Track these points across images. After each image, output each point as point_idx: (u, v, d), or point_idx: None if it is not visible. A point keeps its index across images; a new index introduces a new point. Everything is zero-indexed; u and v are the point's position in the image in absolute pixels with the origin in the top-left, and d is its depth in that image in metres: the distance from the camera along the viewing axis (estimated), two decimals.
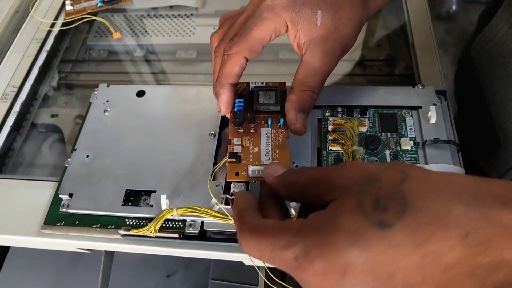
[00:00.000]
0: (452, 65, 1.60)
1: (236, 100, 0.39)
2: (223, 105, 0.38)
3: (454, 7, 1.79)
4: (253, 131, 0.39)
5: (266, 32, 0.36)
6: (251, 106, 0.39)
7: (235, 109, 0.39)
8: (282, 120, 0.38)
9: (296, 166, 0.41)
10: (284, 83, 0.40)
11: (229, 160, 0.37)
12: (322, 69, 0.37)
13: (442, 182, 0.23)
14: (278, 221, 0.26)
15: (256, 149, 0.37)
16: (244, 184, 0.39)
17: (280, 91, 0.40)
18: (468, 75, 0.61)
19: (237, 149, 0.37)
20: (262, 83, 0.41)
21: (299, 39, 0.37)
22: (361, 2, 0.38)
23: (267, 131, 0.38)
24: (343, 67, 0.59)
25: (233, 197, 0.35)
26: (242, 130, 0.39)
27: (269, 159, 0.37)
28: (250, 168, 0.36)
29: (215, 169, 0.41)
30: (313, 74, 0.37)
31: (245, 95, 0.40)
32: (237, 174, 0.36)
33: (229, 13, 0.42)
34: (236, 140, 0.38)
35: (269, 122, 0.39)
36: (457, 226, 0.21)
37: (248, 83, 0.41)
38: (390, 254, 0.21)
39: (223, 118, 0.45)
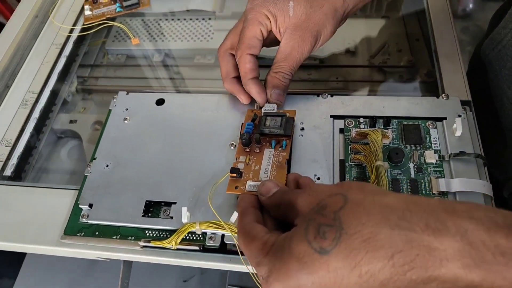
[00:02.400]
0: (468, 64, 1.58)
1: (247, 124, 0.43)
2: (257, 96, 0.44)
3: (470, 6, 1.76)
4: (257, 151, 0.42)
5: (255, 28, 0.43)
6: (259, 128, 0.43)
7: (244, 131, 0.42)
8: (284, 142, 0.41)
9: (318, 178, 0.41)
10: (294, 111, 0.44)
11: (231, 174, 0.40)
12: (293, 55, 0.42)
13: (374, 207, 0.26)
14: (266, 232, 0.31)
15: (257, 167, 0.40)
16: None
17: (287, 117, 0.42)
18: (478, 77, 0.60)
19: (240, 165, 0.41)
20: (274, 107, 0.44)
21: (279, 29, 0.43)
22: None
23: (270, 151, 0.41)
24: (363, 73, 0.58)
25: None
26: (248, 150, 0.42)
27: (267, 177, 0.40)
28: (248, 183, 0.39)
29: (216, 183, 0.41)
30: (284, 58, 0.43)
31: (255, 120, 0.44)
32: (236, 187, 0.39)
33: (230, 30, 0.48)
34: (241, 158, 0.41)
35: (273, 143, 0.41)
36: (382, 248, 0.24)
37: (261, 108, 0.45)
38: (331, 277, 0.25)
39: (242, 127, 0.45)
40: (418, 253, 0.23)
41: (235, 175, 0.39)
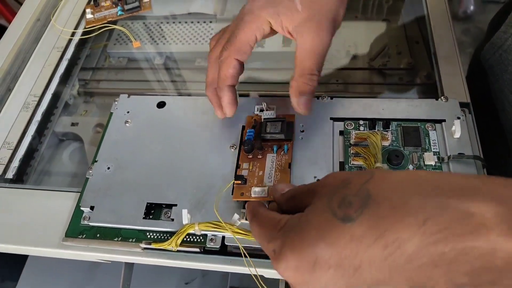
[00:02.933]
0: (468, 66, 1.58)
1: (248, 130, 0.43)
2: (227, 106, 0.41)
3: (471, 8, 1.77)
4: (260, 157, 0.42)
5: (250, 33, 0.39)
6: (260, 135, 0.43)
7: (246, 138, 0.43)
8: (286, 147, 0.42)
9: (318, 180, 0.41)
10: (293, 115, 0.44)
11: (235, 181, 0.41)
12: (316, 48, 0.38)
13: (404, 178, 0.24)
14: (276, 214, 0.29)
15: (261, 173, 0.41)
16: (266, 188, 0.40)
17: (287, 122, 0.43)
18: (478, 81, 0.60)
19: (244, 172, 0.41)
20: (273, 113, 0.45)
21: (287, 28, 0.39)
22: None
23: (272, 156, 0.42)
24: (363, 75, 0.59)
25: None
26: (250, 156, 0.42)
27: (271, 182, 0.40)
28: (253, 189, 0.40)
29: (220, 192, 0.41)
30: (308, 56, 0.38)
31: (256, 126, 0.44)
32: (242, 194, 0.40)
33: (216, 35, 0.45)
34: (245, 165, 0.42)
35: (275, 148, 0.42)
36: (413, 214, 0.21)
37: (261, 116, 0.45)
38: (354, 247, 0.22)
39: (243, 130, 0.45)
40: (453, 219, 0.21)
41: (240, 182, 0.40)
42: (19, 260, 0.70)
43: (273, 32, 0.41)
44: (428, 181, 0.23)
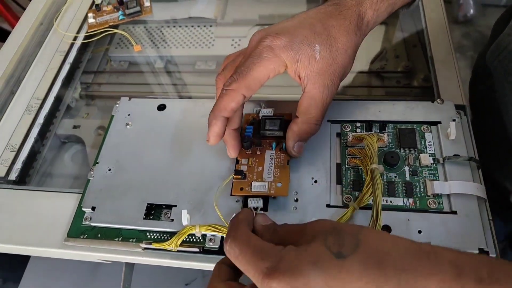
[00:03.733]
0: (469, 69, 1.58)
1: (247, 127, 0.43)
2: (213, 136, 0.40)
3: (471, 11, 1.77)
4: (259, 153, 0.43)
5: (265, 72, 0.38)
6: (259, 132, 0.44)
7: (245, 134, 0.43)
8: (284, 144, 0.42)
9: (316, 181, 0.41)
10: (290, 114, 0.44)
11: (235, 176, 0.41)
12: (324, 100, 0.39)
13: (387, 238, 0.27)
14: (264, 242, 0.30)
15: (260, 168, 0.42)
16: (261, 199, 0.40)
17: (285, 120, 0.43)
18: (482, 84, 0.60)
19: (243, 167, 0.42)
20: (271, 111, 0.45)
21: (299, 73, 0.39)
22: (354, 30, 0.40)
23: (271, 153, 0.43)
24: (361, 78, 0.59)
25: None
26: (249, 152, 0.43)
27: (271, 177, 0.41)
28: (253, 184, 0.40)
29: (221, 186, 0.42)
30: (316, 105, 0.39)
31: (254, 123, 0.45)
32: (241, 189, 0.41)
33: (232, 54, 0.44)
34: (244, 160, 0.42)
35: (273, 145, 0.43)
36: (391, 267, 0.25)
37: (259, 112, 0.46)
38: (342, 278, 0.25)
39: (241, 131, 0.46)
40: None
41: (240, 177, 0.41)
42: (21, 262, 0.71)
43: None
44: (407, 247, 0.26)
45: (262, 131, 0.43)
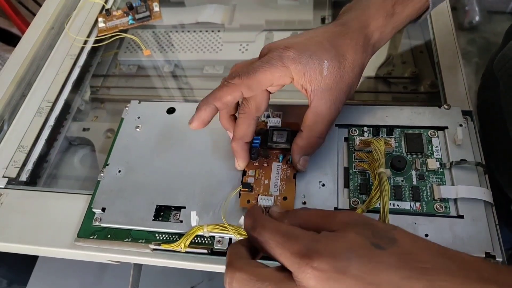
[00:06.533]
0: (475, 76, 1.59)
1: (254, 138, 0.43)
2: (197, 120, 0.39)
3: (477, 18, 1.77)
4: (266, 165, 0.43)
5: (270, 77, 0.38)
6: (266, 143, 0.44)
7: (252, 145, 0.43)
8: (291, 157, 0.42)
9: (323, 185, 0.42)
10: (297, 124, 0.43)
11: (242, 189, 0.42)
12: (330, 116, 0.40)
13: (421, 241, 0.28)
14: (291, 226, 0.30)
15: (266, 181, 0.42)
16: (272, 197, 0.41)
17: (291, 131, 0.44)
18: (491, 91, 0.60)
19: (250, 180, 0.42)
20: (279, 121, 0.45)
21: (306, 86, 0.39)
22: (361, 51, 0.40)
23: (277, 165, 0.43)
24: (368, 83, 0.60)
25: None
26: (256, 164, 0.43)
27: (277, 191, 0.41)
28: (260, 197, 0.41)
29: (227, 199, 0.42)
30: (321, 120, 0.40)
31: (262, 133, 0.45)
32: (248, 201, 0.41)
33: (240, 63, 0.44)
34: (251, 172, 0.43)
35: (280, 158, 0.43)
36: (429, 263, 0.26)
37: (267, 119, 0.46)
38: (379, 269, 0.25)
39: None
40: None
41: (246, 189, 0.42)
42: (28, 264, 0.72)
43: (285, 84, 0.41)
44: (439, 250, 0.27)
45: (270, 143, 0.44)
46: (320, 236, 0.28)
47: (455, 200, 0.39)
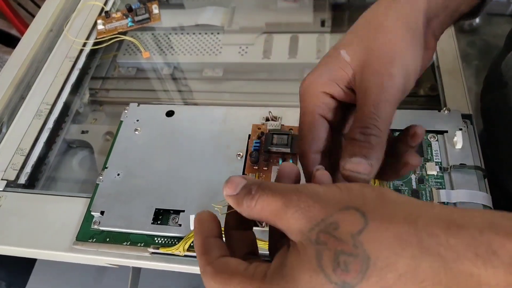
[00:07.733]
0: (475, 78, 1.59)
1: (254, 141, 0.44)
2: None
3: (477, 20, 1.77)
4: (265, 168, 0.44)
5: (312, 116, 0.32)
6: (266, 146, 0.44)
7: (252, 149, 0.44)
8: (291, 161, 0.43)
9: None
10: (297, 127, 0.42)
11: None
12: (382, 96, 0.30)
13: (407, 231, 0.20)
14: (244, 264, 0.23)
15: None
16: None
17: (292, 135, 0.44)
18: (494, 94, 0.60)
19: None
20: (278, 124, 0.45)
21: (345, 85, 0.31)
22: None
23: (277, 169, 0.41)
24: None
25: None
26: (256, 167, 0.44)
27: None
28: None
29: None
30: (371, 104, 0.29)
31: (262, 137, 0.45)
32: None
33: None
34: (251, 175, 0.43)
35: (280, 161, 0.43)
36: (424, 282, 0.19)
37: (266, 121, 0.46)
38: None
39: (249, 139, 0.46)
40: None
41: None
42: (26, 268, 0.72)
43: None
44: (437, 238, 0.20)
45: (269, 146, 0.44)
46: (268, 278, 0.22)
47: (455, 204, 0.39)
